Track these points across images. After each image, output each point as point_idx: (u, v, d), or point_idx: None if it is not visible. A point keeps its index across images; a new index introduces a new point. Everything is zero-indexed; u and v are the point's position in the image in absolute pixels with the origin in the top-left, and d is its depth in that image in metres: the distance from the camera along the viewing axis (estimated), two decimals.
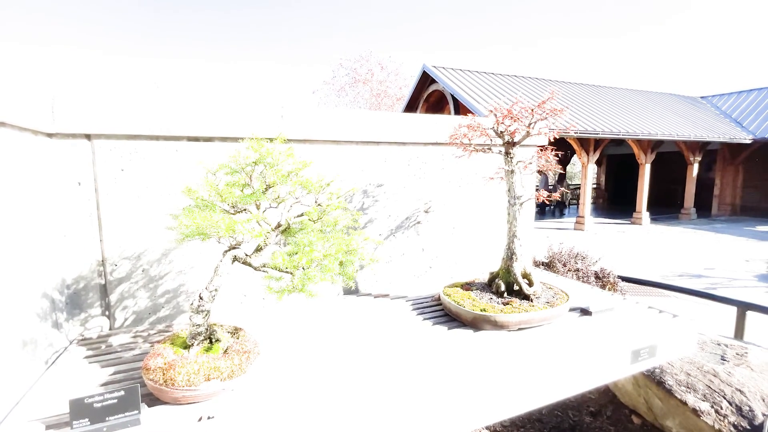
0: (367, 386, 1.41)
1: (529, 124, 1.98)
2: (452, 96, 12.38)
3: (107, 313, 1.95)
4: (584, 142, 11.70)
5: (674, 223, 13.19)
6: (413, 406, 1.38)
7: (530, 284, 2.14)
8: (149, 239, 1.97)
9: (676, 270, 6.90)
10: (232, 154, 1.42)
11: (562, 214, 16.17)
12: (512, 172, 2.09)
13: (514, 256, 2.14)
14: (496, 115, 2.01)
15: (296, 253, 1.38)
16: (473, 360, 1.60)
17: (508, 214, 2.14)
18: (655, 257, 8.01)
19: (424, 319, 2.04)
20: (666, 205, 16.92)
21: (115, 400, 1.23)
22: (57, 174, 1.79)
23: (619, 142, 15.85)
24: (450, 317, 2.06)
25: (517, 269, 2.12)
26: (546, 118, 1.95)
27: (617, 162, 19.18)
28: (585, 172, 12.23)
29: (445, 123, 2.54)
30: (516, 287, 2.10)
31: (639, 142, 12.37)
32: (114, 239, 1.91)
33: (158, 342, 1.50)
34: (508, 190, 2.12)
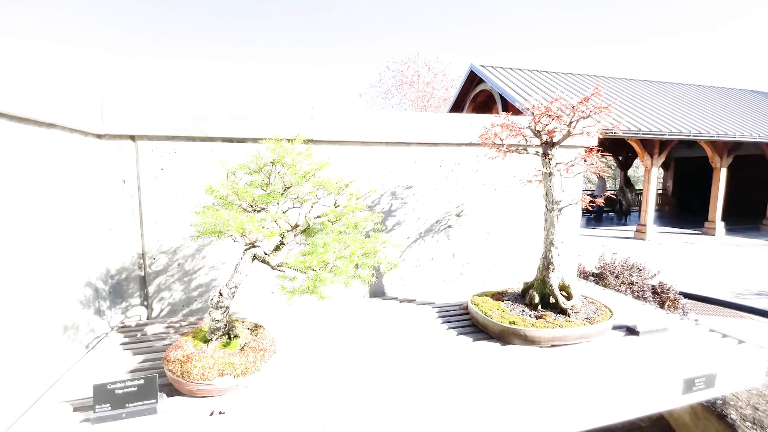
0: (378, 394, 1.35)
1: (570, 122, 1.82)
2: (500, 96, 11.96)
3: (146, 303, 2.07)
4: (647, 144, 10.75)
5: (754, 234, 11.72)
6: (427, 421, 1.31)
7: (568, 297, 1.97)
8: (185, 235, 2.06)
9: (754, 288, 6.10)
10: (253, 154, 1.44)
11: (623, 221, 15.01)
12: (550, 174, 1.93)
13: (551, 266, 1.98)
14: (533, 113, 1.87)
15: (311, 254, 1.36)
16: (498, 375, 1.49)
17: (546, 220, 1.99)
18: (729, 272, 7.15)
19: (449, 328, 1.94)
20: (745, 215, 15.10)
21: (135, 388, 1.28)
22: (105, 172, 1.93)
23: (690, 144, 14.42)
24: (477, 328, 1.95)
25: (554, 280, 1.96)
26: (589, 116, 1.78)
27: (687, 165, 17.45)
28: (648, 177, 11.24)
29: (480, 123, 2.42)
30: (552, 300, 1.94)
31: (713, 144, 11.14)
32: (153, 234, 2.02)
33: (183, 334, 1.56)
34: (546, 195, 1.97)
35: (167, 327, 1.97)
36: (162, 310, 2.09)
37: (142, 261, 2.03)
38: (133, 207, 1.99)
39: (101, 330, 1.87)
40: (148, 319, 2.08)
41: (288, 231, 1.44)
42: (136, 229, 2.01)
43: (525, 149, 1.92)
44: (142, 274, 2.04)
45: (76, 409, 1.30)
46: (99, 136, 1.90)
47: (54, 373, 1.46)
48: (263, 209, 1.41)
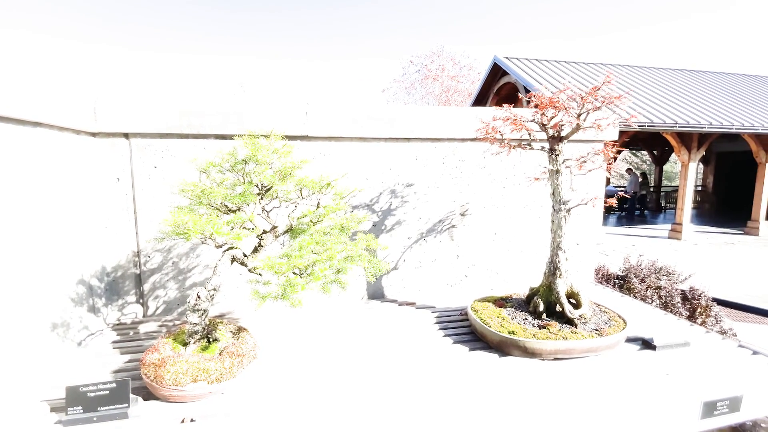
0: (355, 408, 1.27)
1: (579, 114, 1.66)
2: (525, 88, 11.53)
3: (141, 301, 2.07)
4: (685, 138, 10.07)
5: None
6: None
7: (577, 305, 1.82)
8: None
9: None
10: (228, 151, 1.38)
11: (656, 219, 14.23)
12: (557, 172, 1.78)
13: (557, 272, 1.83)
14: (537, 105, 1.72)
15: (286, 257, 1.29)
16: (489, 392, 1.37)
17: (552, 221, 1.84)
18: None
19: (445, 335, 1.83)
20: None
21: (108, 392, 1.26)
22: (99, 170, 1.93)
23: (733, 138, 13.45)
24: (476, 336, 1.83)
25: (561, 287, 1.81)
26: (600, 107, 1.62)
27: (730, 160, 16.30)
28: (685, 173, 10.56)
29: (486, 116, 2.27)
30: (558, 308, 1.79)
31: (758, 138, 10.31)
32: (148, 232, 2.01)
33: (164, 336, 1.53)
34: (552, 194, 1.82)
35: (161, 325, 1.96)
36: (157, 308, 2.09)
37: (137, 259, 2.03)
38: (127, 205, 1.99)
39: (96, 327, 1.88)
40: (144, 316, 2.08)
41: (266, 232, 1.37)
42: (131, 227, 2.00)
43: (529, 144, 1.77)
44: (138, 272, 2.04)
45: (52, 410, 1.29)
46: (93, 134, 1.90)
47: (40, 370, 1.46)
48: (239, 209, 1.35)
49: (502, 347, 1.66)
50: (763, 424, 1.89)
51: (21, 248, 1.40)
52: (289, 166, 1.34)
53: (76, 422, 1.22)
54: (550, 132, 1.74)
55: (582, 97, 1.61)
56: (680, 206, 10.57)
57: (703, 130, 9.10)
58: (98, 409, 1.25)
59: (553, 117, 1.68)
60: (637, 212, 15.22)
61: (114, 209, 1.97)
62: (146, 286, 2.05)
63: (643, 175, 15.08)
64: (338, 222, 1.49)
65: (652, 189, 15.92)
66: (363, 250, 1.41)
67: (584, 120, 1.67)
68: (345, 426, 1.20)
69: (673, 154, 15.66)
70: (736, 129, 9.25)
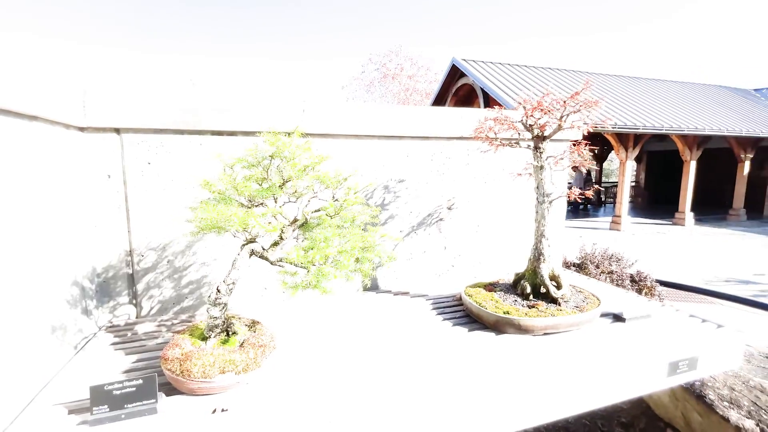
0: (380, 386, 1.37)
1: (561, 117, 1.86)
2: (482, 90, 12.06)
3: (134, 301, 2.01)
4: (622, 138, 11.10)
5: (721, 224, 12.32)
6: (428, 411, 1.33)
7: (558, 287, 2.03)
8: (174, 231, 2.01)
9: (722, 275, 6.43)
10: (250, 147, 1.41)
11: (597, 213, 15.49)
12: (542, 168, 1.98)
13: (541, 257, 2.03)
14: (525, 108, 1.91)
15: (312, 249, 1.36)
16: (494, 365, 1.53)
17: (536, 212, 2.03)
18: (699, 260, 7.51)
19: (444, 319, 1.97)
20: (712, 206, 15.85)
21: (134, 389, 1.25)
22: (89, 166, 1.85)
23: (662, 138, 14.98)
24: (471, 319, 1.99)
25: (545, 271, 2.02)
26: (579, 110, 1.83)
27: (659, 159, 18.12)
28: (623, 169, 11.62)
29: (470, 116, 2.44)
30: (543, 290, 2.00)
31: (684, 138, 11.60)
32: (141, 230, 1.96)
33: (178, 332, 1.53)
34: (537, 187, 2.02)
35: (158, 325, 1.93)
36: (152, 309, 2.04)
37: (129, 258, 1.97)
38: (119, 203, 1.92)
39: (89, 330, 1.81)
40: (137, 317, 2.02)
41: (287, 226, 1.43)
42: (123, 225, 1.94)
43: (517, 143, 1.96)
44: (130, 271, 1.98)
45: (71, 412, 1.27)
46: (81, 129, 1.82)
47: (44, 375, 1.41)
48: (261, 204, 1.39)
49: (498, 326, 1.83)
50: (709, 383, 2.23)
51: (23, 249, 1.34)
52: (314, 161, 1.40)
53: (102, 421, 1.21)
54: (536, 132, 1.93)
55: (564, 102, 1.81)
56: (619, 200, 11.62)
57: (638, 130, 10.05)
58: (125, 406, 1.24)
59: (539, 119, 1.87)
60: (581, 206, 16.49)
61: (105, 207, 1.90)
62: (140, 286, 2.00)
63: (587, 172, 16.33)
64: (350, 215, 1.57)
65: (594, 185, 17.33)
66: (378, 241, 1.50)
67: (565, 121, 1.87)
68: (373, 399, 1.29)
69: (612, 152, 17.13)
70: (665, 130, 10.32)
